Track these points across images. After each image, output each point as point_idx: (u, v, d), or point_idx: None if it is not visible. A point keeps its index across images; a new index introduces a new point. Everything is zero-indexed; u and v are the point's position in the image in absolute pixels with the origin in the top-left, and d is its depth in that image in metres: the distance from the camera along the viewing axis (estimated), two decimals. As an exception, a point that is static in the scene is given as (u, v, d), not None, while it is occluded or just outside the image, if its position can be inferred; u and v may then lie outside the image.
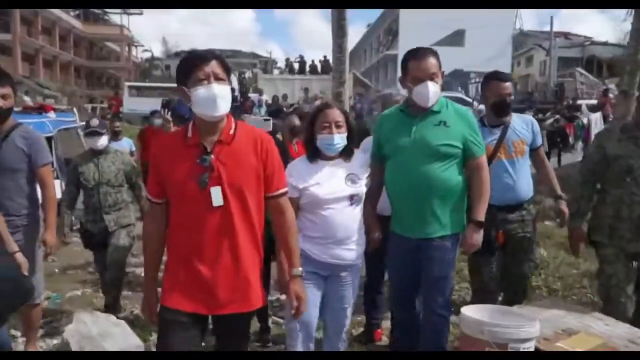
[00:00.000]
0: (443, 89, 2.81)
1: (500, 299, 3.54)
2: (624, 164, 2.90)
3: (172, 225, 2.15)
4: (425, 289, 2.86)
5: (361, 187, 2.72)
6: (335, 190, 2.65)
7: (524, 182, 3.30)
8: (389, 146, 2.85)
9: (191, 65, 2.04)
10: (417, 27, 27.55)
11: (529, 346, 2.22)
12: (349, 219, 2.68)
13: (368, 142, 3.37)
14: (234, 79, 20.69)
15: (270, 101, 18.61)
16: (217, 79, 2.02)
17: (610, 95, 16.36)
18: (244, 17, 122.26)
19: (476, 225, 2.76)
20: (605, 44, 31.68)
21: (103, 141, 4.17)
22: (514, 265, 3.37)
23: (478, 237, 2.77)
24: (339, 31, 7.93)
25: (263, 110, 16.90)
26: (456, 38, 27.79)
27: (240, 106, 16.90)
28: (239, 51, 42.19)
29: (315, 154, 2.73)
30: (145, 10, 41.88)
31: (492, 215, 2.94)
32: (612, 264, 2.95)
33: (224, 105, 2.03)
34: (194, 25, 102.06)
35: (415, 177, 2.71)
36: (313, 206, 2.66)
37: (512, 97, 3.31)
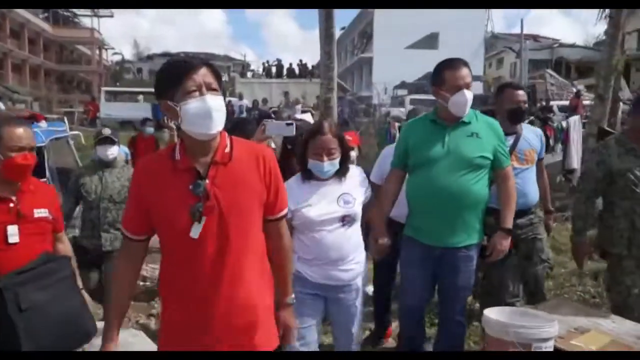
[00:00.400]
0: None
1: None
2: (631, 177, 3.00)
3: (164, 261, 1.87)
4: (445, 297, 2.95)
5: (354, 207, 2.64)
6: (326, 212, 2.59)
7: (532, 189, 3.43)
8: (417, 155, 2.85)
9: (177, 74, 1.70)
10: (391, 30, 27.98)
11: (550, 345, 2.35)
12: (342, 240, 2.61)
13: (390, 150, 3.43)
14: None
15: (250, 105, 18.54)
16: (210, 89, 1.71)
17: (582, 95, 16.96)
18: (215, 17, 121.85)
19: (505, 232, 2.86)
20: (573, 45, 32.55)
21: (114, 151, 3.97)
22: (529, 267, 3.48)
23: (507, 243, 2.86)
24: (327, 39, 8.05)
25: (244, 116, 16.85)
26: (430, 41, 28.18)
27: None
28: (213, 54, 42.02)
29: (308, 175, 2.67)
30: (115, 12, 41.40)
31: None
32: (631, 274, 3.04)
33: (220, 120, 1.73)
34: (165, 27, 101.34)
35: (447, 188, 2.73)
36: (305, 227, 2.61)
37: (527, 105, 3.43)
